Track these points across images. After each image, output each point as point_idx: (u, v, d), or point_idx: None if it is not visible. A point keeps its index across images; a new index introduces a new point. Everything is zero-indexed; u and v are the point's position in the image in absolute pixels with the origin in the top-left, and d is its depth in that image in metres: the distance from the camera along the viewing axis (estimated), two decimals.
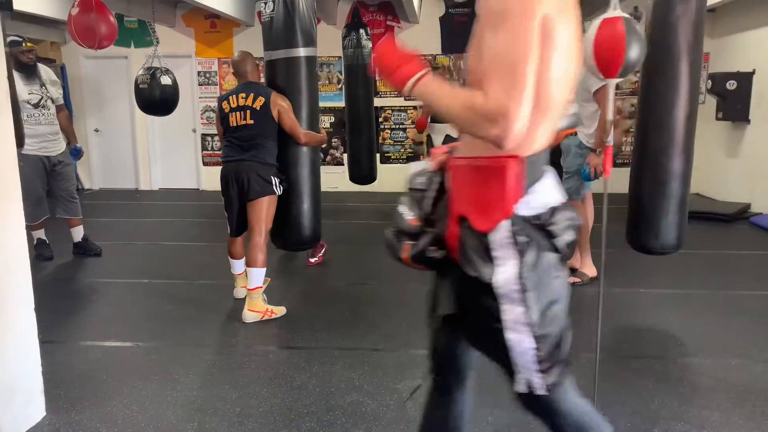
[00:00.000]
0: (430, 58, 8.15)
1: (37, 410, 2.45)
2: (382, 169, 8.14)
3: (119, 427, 2.40)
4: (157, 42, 5.79)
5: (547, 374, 1.35)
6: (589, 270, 4.16)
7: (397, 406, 2.55)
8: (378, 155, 8.24)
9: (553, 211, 1.35)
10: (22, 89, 4.44)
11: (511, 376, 1.41)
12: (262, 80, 3.72)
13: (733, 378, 2.78)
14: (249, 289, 3.52)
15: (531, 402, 1.44)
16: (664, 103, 2.97)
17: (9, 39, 4.50)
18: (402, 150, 8.38)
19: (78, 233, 4.98)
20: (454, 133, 6.31)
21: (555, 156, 4.64)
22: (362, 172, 6.42)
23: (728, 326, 3.40)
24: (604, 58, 2.31)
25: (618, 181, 5.28)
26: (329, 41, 7.17)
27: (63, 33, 8.13)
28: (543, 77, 1.21)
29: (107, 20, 4.34)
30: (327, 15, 7.65)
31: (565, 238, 1.36)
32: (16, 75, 4.38)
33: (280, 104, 3.45)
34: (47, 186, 4.73)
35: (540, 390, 1.36)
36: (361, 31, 6.01)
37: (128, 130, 8.59)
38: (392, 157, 8.40)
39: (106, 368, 2.94)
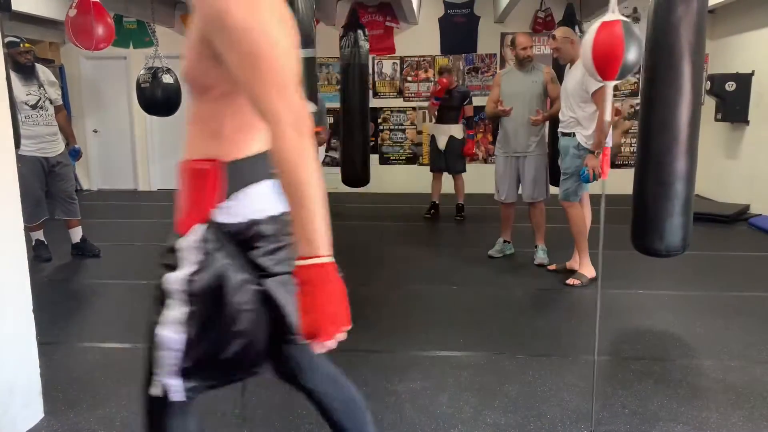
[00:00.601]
0: (429, 59, 8.15)
1: (36, 412, 2.44)
2: (381, 170, 8.17)
3: (117, 429, 2.39)
4: (157, 42, 5.79)
5: (187, 381, 1.30)
6: (588, 271, 4.17)
7: (396, 407, 2.54)
8: (377, 156, 8.27)
9: (258, 222, 1.29)
10: (20, 90, 4.42)
11: (150, 378, 1.33)
12: None
13: (732, 379, 2.78)
14: None
15: (149, 410, 1.38)
16: (667, 104, 2.97)
17: (7, 39, 4.48)
18: (401, 151, 8.38)
19: (76, 234, 4.97)
20: (458, 134, 6.32)
21: (553, 157, 4.65)
22: (355, 175, 6.26)
23: (727, 327, 3.40)
24: (603, 61, 2.32)
25: (619, 182, 5.31)
26: (328, 42, 7.18)
27: (62, 33, 8.10)
28: None
29: (105, 22, 4.34)
30: (326, 16, 7.65)
31: (272, 258, 1.31)
32: (13, 76, 4.36)
33: None
34: (46, 187, 4.72)
35: (173, 395, 1.30)
36: (359, 31, 6.00)
37: (127, 131, 8.59)
38: (391, 158, 8.40)
39: (105, 370, 2.93)
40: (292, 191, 1.13)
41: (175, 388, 1.29)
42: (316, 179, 1.14)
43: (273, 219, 1.31)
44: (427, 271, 4.61)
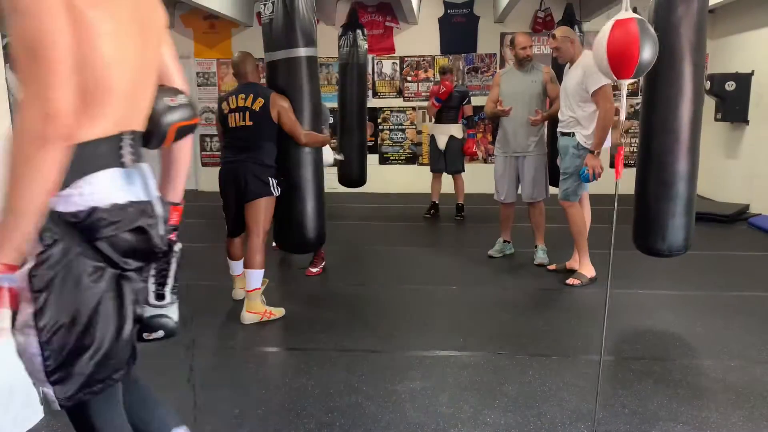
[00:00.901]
0: (429, 58, 8.15)
1: (36, 412, 2.44)
2: (381, 170, 8.17)
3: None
4: None
5: (62, 386, 1.23)
6: (587, 270, 4.17)
7: (395, 407, 2.54)
8: (377, 156, 8.27)
9: (99, 210, 1.22)
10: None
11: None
12: (263, 81, 3.71)
13: (732, 379, 2.78)
14: (247, 291, 3.53)
15: (67, 412, 1.35)
16: (669, 104, 2.97)
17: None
18: (401, 151, 8.38)
19: None
20: (458, 134, 6.33)
21: (551, 156, 4.65)
22: (352, 175, 6.17)
23: (727, 327, 3.40)
24: (618, 60, 2.30)
25: (622, 181, 5.30)
26: (328, 42, 7.17)
27: None
28: (85, 62, 1.13)
29: None
30: (326, 16, 7.65)
31: (122, 238, 1.25)
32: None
33: (280, 105, 3.44)
34: None
35: (54, 403, 1.24)
36: (358, 31, 5.99)
37: None
38: (391, 158, 8.40)
39: None
40: (6, 194, 1.08)
41: (55, 394, 1.23)
42: (33, 194, 1.08)
43: (118, 207, 1.25)
44: (427, 271, 4.61)
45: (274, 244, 5.13)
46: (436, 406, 2.55)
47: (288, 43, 3.47)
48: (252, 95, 3.45)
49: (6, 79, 2.32)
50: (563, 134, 4.13)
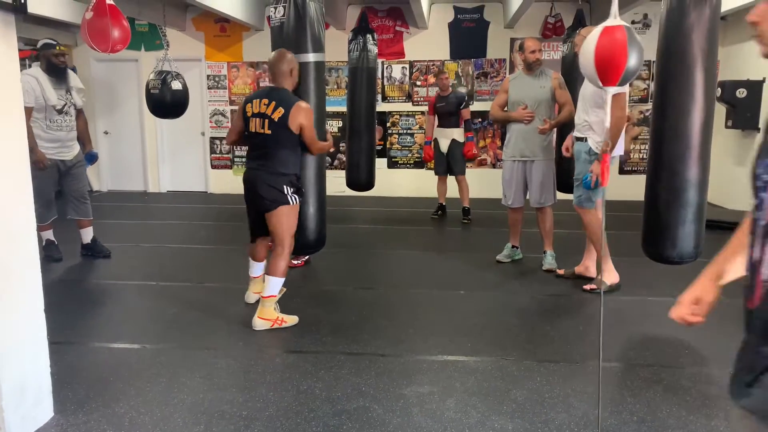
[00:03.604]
0: (438, 63, 8.16)
1: (46, 411, 2.46)
2: (389, 174, 8.18)
3: (126, 429, 2.41)
4: (168, 45, 5.83)
5: None
6: (609, 277, 4.06)
7: (403, 411, 2.54)
8: (386, 160, 8.28)
9: None
10: (52, 93, 4.49)
11: None
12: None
13: None
14: (263, 297, 3.47)
15: None
16: (680, 110, 2.96)
17: (42, 42, 4.57)
18: (409, 155, 8.38)
19: (87, 235, 5.01)
20: (459, 138, 6.35)
21: (567, 162, 4.64)
22: (360, 179, 6.16)
23: (737, 336, 3.35)
24: (605, 67, 2.30)
25: (630, 188, 5.26)
26: (338, 46, 7.20)
27: (74, 36, 8.19)
28: None
29: (121, 24, 4.37)
30: (336, 20, 7.68)
31: None
32: (46, 78, 4.45)
33: (303, 119, 3.32)
34: (58, 187, 4.77)
35: None
36: (368, 35, 6.02)
37: (137, 133, 8.65)
38: (399, 162, 8.41)
39: (114, 370, 2.95)
40: None
41: None
42: None
43: None
44: (435, 275, 4.60)
45: (294, 262, 5.16)
46: (443, 411, 2.54)
47: (297, 48, 3.47)
48: (274, 102, 3.31)
49: (40, 82, 2.34)
50: (578, 139, 4.10)
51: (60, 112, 4.58)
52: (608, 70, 2.30)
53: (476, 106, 7.92)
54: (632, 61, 2.29)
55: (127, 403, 2.61)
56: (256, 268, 3.80)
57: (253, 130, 3.39)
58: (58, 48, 4.58)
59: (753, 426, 1.16)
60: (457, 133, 6.38)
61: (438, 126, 6.50)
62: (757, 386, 1.17)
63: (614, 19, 2.34)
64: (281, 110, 3.30)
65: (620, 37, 2.27)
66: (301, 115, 3.33)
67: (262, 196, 3.38)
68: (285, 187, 3.38)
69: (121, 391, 2.71)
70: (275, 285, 3.45)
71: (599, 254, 4.12)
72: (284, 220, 3.40)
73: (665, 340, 3.37)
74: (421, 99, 8.22)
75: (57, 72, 4.58)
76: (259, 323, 3.44)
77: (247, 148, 3.56)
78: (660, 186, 3.09)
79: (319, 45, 3.52)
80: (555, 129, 4.61)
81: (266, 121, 3.33)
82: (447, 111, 6.35)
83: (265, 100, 3.35)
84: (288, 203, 3.40)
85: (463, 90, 7.54)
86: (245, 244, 3.85)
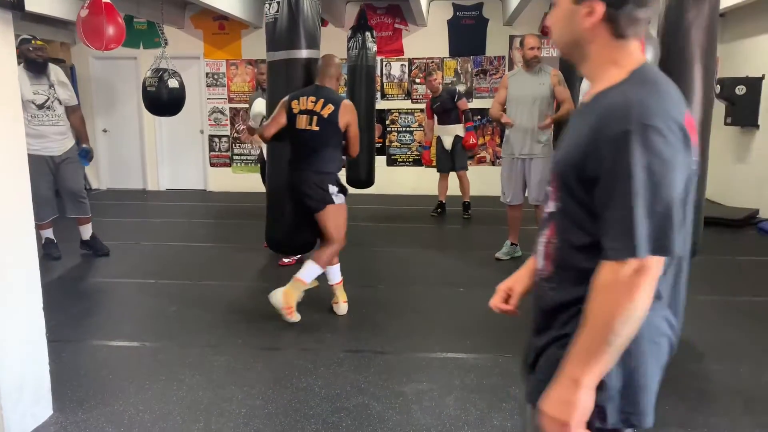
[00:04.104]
0: (437, 60, 8.15)
1: (45, 409, 2.46)
2: (388, 171, 8.17)
3: (125, 427, 2.41)
4: (166, 43, 5.83)
5: None
6: None
7: (402, 408, 2.55)
8: (385, 158, 8.28)
9: None
10: (27, 89, 4.42)
11: None
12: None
13: (741, 384, 2.76)
14: (297, 277, 3.44)
15: None
16: None
17: (20, 37, 4.53)
18: (409, 153, 8.38)
19: (86, 231, 5.01)
20: (462, 133, 6.36)
21: None
22: (359, 176, 6.14)
23: (736, 332, 3.38)
24: None
25: None
26: (336, 44, 7.18)
27: (73, 34, 8.18)
28: None
29: (116, 22, 4.37)
30: (334, 18, 7.67)
31: None
32: (22, 73, 4.38)
33: (350, 117, 3.40)
34: (55, 186, 4.75)
35: None
36: (367, 33, 6.00)
37: (136, 131, 8.64)
38: (399, 160, 8.40)
39: (113, 368, 2.95)
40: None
41: None
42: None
43: None
44: (434, 272, 4.60)
45: (264, 244, 5.17)
46: (442, 408, 2.54)
47: (289, 44, 3.46)
48: (323, 100, 3.36)
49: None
50: None
51: (41, 107, 4.54)
52: None
53: (475, 103, 7.91)
54: (647, 56, 2.29)
55: (126, 400, 2.61)
56: (334, 274, 3.70)
57: (300, 127, 3.41)
58: (34, 42, 4.53)
59: (531, 414, 1.22)
60: (460, 129, 6.41)
61: (439, 124, 6.53)
62: (529, 376, 1.23)
63: None
64: (331, 107, 3.35)
65: None
66: (348, 113, 3.39)
67: (310, 196, 3.41)
68: (330, 186, 3.42)
69: (120, 389, 2.71)
70: (313, 272, 3.45)
71: None
72: (332, 218, 3.45)
73: None
74: (421, 96, 8.21)
75: (36, 67, 4.52)
76: (277, 299, 3.39)
77: (292, 146, 3.50)
78: None
79: (312, 41, 3.51)
80: (553, 126, 4.62)
81: (315, 117, 3.37)
82: (444, 109, 6.38)
83: (312, 98, 3.39)
84: (333, 202, 3.43)
85: (458, 86, 7.53)
86: (256, 242, 3.84)
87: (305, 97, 3.40)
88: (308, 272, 3.44)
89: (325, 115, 3.35)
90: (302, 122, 3.39)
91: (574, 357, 1.06)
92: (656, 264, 1.02)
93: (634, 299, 1.01)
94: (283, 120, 3.46)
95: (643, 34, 1.16)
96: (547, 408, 1.09)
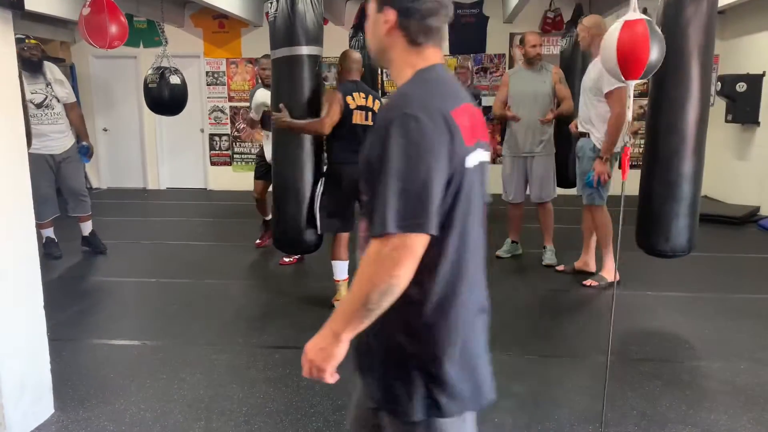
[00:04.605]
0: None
1: (46, 407, 2.46)
2: None
3: (126, 425, 2.41)
4: (166, 42, 5.82)
5: None
6: (610, 274, 4.06)
7: None
8: None
9: None
10: (25, 88, 4.41)
11: None
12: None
13: (741, 382, 2.76)
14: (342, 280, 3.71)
15: None
16: (675, 105, 2.95)
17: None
18: None
19: (87, 228, 5.02)
20: None
21: (566, 157, 4.62)
22: None
23: (737, 330, 3.37)
24: (627, 61, 2.30)
25: (630, 182, 5.25)
26: (337, 42, 7.17)
27: (72, 32, 8.17)
28: None
29: (118, 20, 4.36)
30: (335, 16, 7.67)
31: None
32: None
33: None
34: (56, 184, 4.75)
35: None
36: None
37: (136, 130, 8.64)
38: None
39: (114, 366, 2.96)
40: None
41: None
42: None
43: None
44: None
45: (258, 241, 5.19)
46: None
47: (290, 41, 3.47)
48: (371, 96, 3.57)
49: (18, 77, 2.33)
50: (582, 134, 4.06)
51: (39, 106, 4.54)
52: (630, 64, 2.30)
53: None
54: (654, 54, 2.29)
55: (127, 399, 2.61)
56: (341, 270, 3.72)
57: (356, 122, 3.53)
58: (28, 41, 4.53)
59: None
60: None
61: None
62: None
63: (634, 12, 2.34)
64: (378, 102, 3.56)
65: (641, 31, 2.27)
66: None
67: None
68: None
69: (121, 388, 2.71)
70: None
71: (608, 250, 4.10)
72: None
73: (665, 335, 3.37)
74: None
75: (32, 66, 4.52)
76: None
77: (340, 140, 3.54)
78: (654, 179, 3.09)
79: (314, 38, 3.51)
80: (554, 124, 4.61)
81: (369, 113, 3.53)
82: None
83: (362, 94, 3.56)
84: None
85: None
86: (267, 241, 3.85)
87: (357, 94, 3.55)
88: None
89: (376, 110, 3.53)
90: (359, 117, 3.53)
91: (338, 314, 1.15)
92: (415, 241, 1.08)
93: (392, 274, 1.08)
94: (337, 116, 3.52)
95: (440, 40, 1.25)
96: (308, 351, 1.19)
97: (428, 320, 1.18)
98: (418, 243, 1.09)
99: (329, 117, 3.47)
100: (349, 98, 3.50)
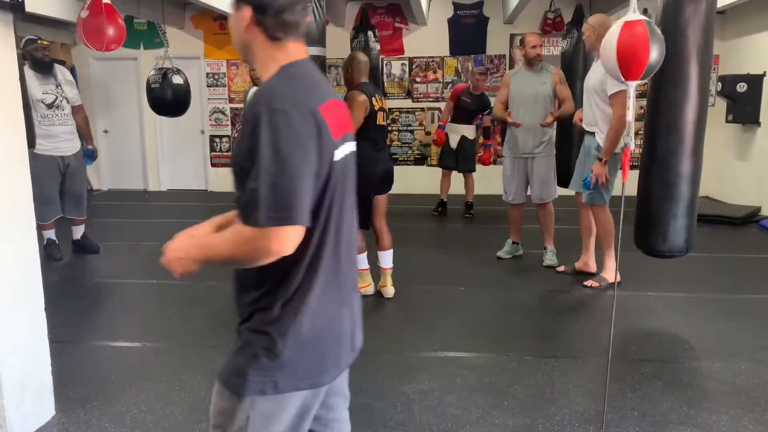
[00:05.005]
0: (438, 59, 8.15)
1: (47, 409, 2.46)
2: None
3: (127, 427, 2.41)
4: (167, 43, 5.82)
5: None
6: (611, 275, 4.05)
7: (404, 408, 2.55)
8: None
9: None
10: (37, 88, 4.47)
11: None
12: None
13: (742, 382, 2.76)
14: (387, 268, 3.97)
15: None
16: (674, 105, 2.95)
17: (25, 38, 4.55)
18: (409, 152, 8.37)
19: (79, 231, 5.03)
20: (469, 135, 6.36)
21: (567, 157, 4.62)
22: None
23: (738, 330, 3.37)
24: (627, 62, 2.30)
25: (630, 183, 5.26)
26: (337, 43, 7.17)
27: (73, 35, 8.17)
28: None
29: (116, 23, 4.36)
30: (335, 17, 7.67)
31: None
32: (30, 74, 4.43)
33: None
34: (61, 186, 4.76)
35: None
36: (369, 33, 6.00)
37: (137, 132, 8.64)
38: (399, 159, 8.40)
39: (115, 368, 2.96)
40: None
41: None
42: None
43: None
44: (435, 271, 4.60)
45: None
46: (444, 407, 2.55)
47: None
48: (382, 97, 3.68)
49: (21, 79, 2.34)
50: (587, 132, 4.05)
51: (50, 106, 4.56)
52: (630, 65, 2.30)
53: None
54: (654, 54, 2.29)
55: (128, 401, 2.61)
56: (361, 261, 3.83)
57: (380, 123, 3.68)
58: (40, 42, 4.57)
59: None
60: (468, 130, 6.44)
61: (450, 121, 6.49)
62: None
63: (634, 13, 2.34)
64: (385, 102, 3.73)
65: (641, 32, 2.28)
66: None
67: (390, 181, 3.89)
68: None
69: (122, 389, 2.71)
70: (391, 256, 3.95)
71: (609, 251, 4.09)
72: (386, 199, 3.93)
73: (665, 336, 3.37)
74: (421, 96, 8.21)
75: (43, 67, 4.57)
76: (391, 291, 3.92)
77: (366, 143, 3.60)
78: (652, 180, 3.09)
79: (316, 38, 3.51)
80: (555, 124, 4.61)
81: (385, 114, 3.72)
82: (468, 109, 6.37)
83: (379, 95, 3.71)
84: None
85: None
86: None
87: (377, 95, 3.69)
88: (389, 259, 3.91)
89: (386, 110, 3.68)
90: (381, 118, 3.69)
91: (207, 248, 1.35)
92: (287, 233, 1.14)
93: (260, 260, 1.17)
94: (362, 118, 3.60)
95: (302, 35, 1.29)
96: (171, 251, 1.41)
97: (293, 305, 1.24)
98: (291, 234, 1.14)
99: (355, 120, 3.53)
100: (374, 99, 3.62)
